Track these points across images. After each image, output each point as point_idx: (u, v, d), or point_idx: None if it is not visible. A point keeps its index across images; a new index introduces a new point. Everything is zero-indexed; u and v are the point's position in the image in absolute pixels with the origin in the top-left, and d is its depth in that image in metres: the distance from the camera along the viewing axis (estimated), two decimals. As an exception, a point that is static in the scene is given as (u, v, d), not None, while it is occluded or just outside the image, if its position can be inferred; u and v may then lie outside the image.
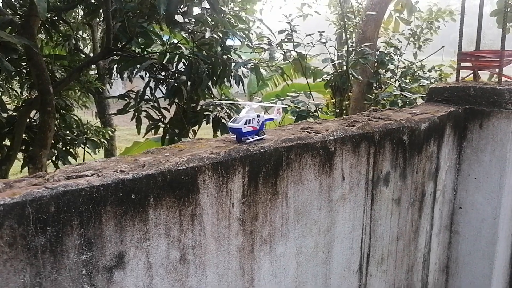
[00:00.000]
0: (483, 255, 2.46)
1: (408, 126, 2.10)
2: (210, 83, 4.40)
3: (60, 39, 5.89)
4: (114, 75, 5.48)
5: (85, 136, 4.81)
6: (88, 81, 5.91)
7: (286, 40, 4.17)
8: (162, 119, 4.77)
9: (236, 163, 1.47)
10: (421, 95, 4.11)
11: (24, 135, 4.79)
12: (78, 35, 6.59)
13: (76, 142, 4.36)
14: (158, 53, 4.64)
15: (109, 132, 6.00)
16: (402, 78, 4.37)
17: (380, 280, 2.15)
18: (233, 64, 4.18)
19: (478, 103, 2.39)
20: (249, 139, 1.57)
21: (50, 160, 4.48)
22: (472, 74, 2.51)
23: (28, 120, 4.75)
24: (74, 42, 5.89)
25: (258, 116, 1.60)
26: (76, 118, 5.18)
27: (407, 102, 4.09)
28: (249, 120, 1.56)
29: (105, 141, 6.11)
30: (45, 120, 3.96)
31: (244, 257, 1.56)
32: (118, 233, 1.24)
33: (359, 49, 4.14)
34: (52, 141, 4.47)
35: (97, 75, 6.48)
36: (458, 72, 2.52)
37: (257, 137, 1.60)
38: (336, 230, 1.88)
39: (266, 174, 1.57)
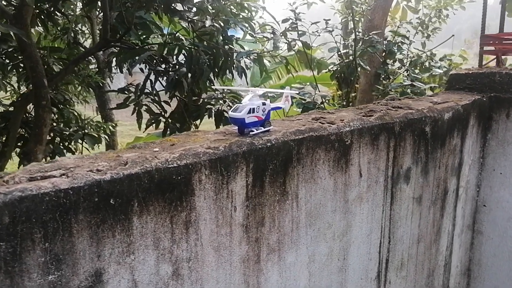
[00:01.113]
0: (509, 256, 2.20)
1: (431, 116, 1.84)
2: (211, 75, 4.14)
3: (59, 32, 5.64)
4: (114, 68, 5.24)
5: (84, 131, 4.55)
6: (88, 75, 5.66)
7: (290, 29, 3.90)
8: (163, 113, 4.52)
9: (238, 159, 1.22)
10: (432, 85, 3.84)
11: (22, 131, 4.56)
12: (77, 28, 6.34)
13: (73, 138, 4.11)
14: (157, 45, 4.38)
15: (110, 127, 5.75)
16: (412, 68, 4.10)
17: (400, 287, 1.89)
18: (235, 54, 3.91)
19: (505, 90, 2.12)
20: (253, 131, 1.31)
21: (48, 157, 4.24)
22: (495, 60, 2.23)
23: (25, 115, 4.51)
24: (73, 35, 5.64)
25: (264, 104, 1.34)
26: (75, 113, 4.93)
27: (418, 93, 3.82)
28: (253, 108, 1.30)
29: (106, 137, 5.86)
30: (40, 114, 3.71)
31: (248, 268, 1.31)
32: (94, 246, 0.99)
33: (367, 38, 3.87)
34: (50, 136, 4.23)
35: (97, 69, 6.23)
36: (481, 58, 2.25)
37: (263, 129, 1.34)
38: (353, 234, 1.62)
39: (273, 172, 1.31)
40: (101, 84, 6.16)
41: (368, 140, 1.59)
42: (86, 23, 6.78)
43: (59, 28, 5.50)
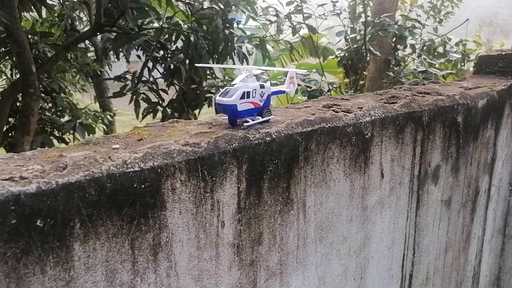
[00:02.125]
0: (545, 265, 1.87)
1: (464, 103, 1.50)
2: (210, 62, 3.80)
3: (56, 19, 5.30)
4: (112, 55, 4.91)
5: (78, 121, 4.23)
6: (86, 63, 5.33)
7: (295, 11, 3.54)
8: (160, 102, 4.20)
9: (227, 159, 0.89)
10: (448, 71, 3.49)
11: (12, 121, 4.26)
12: (75, 15, 6.01)
13: (64, 128, 3.80)
14: (154, 29, 4.03)
15: (108, 116, 5.44)
16: (426, 53, 3.73)
17: (424, 305, 1.57)
18: (236, 39, 3.57)
19: (546, 74, 1.77)
20: (247, 122, 0.98)
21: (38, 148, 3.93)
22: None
23: (18, 104, 4.21)
24: (70, 22, 5.30)
25: (262, 87, 1.01)
26: (70, 102, 4.61)
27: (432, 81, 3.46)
28: (248, 92, 0.97)
29: (105, 127, 5.55)
30: (27, 103, 3.39)
31: (241, 300, 0.98)
32: (14, 285, 0.66)
33: (378, 21, 3.51)
34: (40, 126, 3.92)
35: (95, 57, 5.90)
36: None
37: (260, 119, 1.01)
38: (372, 247, 1.29)
39: (274, 175, 0.98)
40: (99, 73, 5.84)
41: (392, 132, 1.26)
42: (84, 9, 6.44)
43: (56, 15, 5.17)
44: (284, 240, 1.04)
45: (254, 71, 1.01)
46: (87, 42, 5.47)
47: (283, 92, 1.11)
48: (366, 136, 1.18)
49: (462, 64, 3.62)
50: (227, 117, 1.00)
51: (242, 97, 0.96)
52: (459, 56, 3.55)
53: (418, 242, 1.47)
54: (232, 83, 0.96)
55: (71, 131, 3.93)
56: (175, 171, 0.82)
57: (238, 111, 0.96)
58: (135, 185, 0.77)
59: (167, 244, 0.83)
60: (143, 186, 0.78)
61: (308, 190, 1.07)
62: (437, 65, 3.82)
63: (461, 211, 1.64)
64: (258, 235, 0.98)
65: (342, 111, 1.17)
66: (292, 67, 1.12)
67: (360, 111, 1.19)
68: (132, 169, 0.76)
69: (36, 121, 3.47)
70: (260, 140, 0.94)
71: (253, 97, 0.98)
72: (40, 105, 4.19)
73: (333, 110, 1.16)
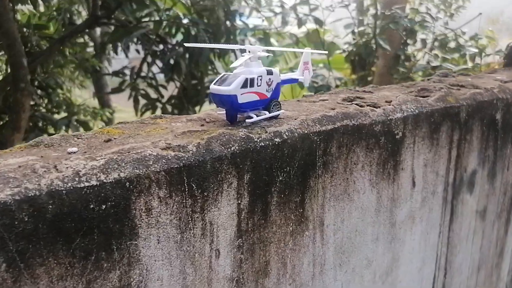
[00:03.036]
0: None
1: (503, 98, 1.26)
2: (212, 56, 3.57)
3: (54, 12, 5.06)
4: (110, 50, 4.68)
5: (74, 118, 4.01)
6: (85, 59, 5.10)
7: (300, 3, 3.30)
8: (159, 99, 3.97)
9: (223, 167, 0.65)
10: (463, 67, 3.23)
11: (6, 117, 4.03)
12: (74, 9, 5.78)
13: (57, 125, 3.56)
14: (153, 22, 3.79)
15: (107, 113, 5.21)
16: (439, 48, 3.48)
17: (453, 332, 1.33)
18: (238, 32, 3.33)
19: None
20: (251, 117, 0.75)
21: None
22: None
23: (11, 100, 3.98)
24: (68, 16, 5.07)
25: (270, 73, 0.77)
26: (66, 98, 4.38)
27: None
28: (251, 80, 0.73)
29: (104, 123, 5.33)
30: (18, 99, 3.16)
31: None
32: None
33: (389, 12, 3.26)
34: (33, 123, 3.69)
35: (94, 52, 5.66)
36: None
37: (267, 114, 0.77)
38: (400, 270, 1.06)
39: (285, 187, 0.75)
40: (98, 68, 5.61)
41: (426, 132, 1.02)
42: (83, 3, 6.20)
43: (54, 9, 4.95)
44: (297, 268, 0.81)
45: (260, 53, 0.77)
46: (86, 37, 5.25)
47: (296, 80, 0.87)
48: (397, 137, 0.94)
49: (479, 59, 3.37)
50: (225, 111, 0.76)
51: (244, 85, 0.72)
52: (477, 51, 3.30)
53: (450, 260, 1.23)
54: (232, 65, 0.72)
55: (65, 129, 3.70)
56: (150, 185, 0.58)
57: (238, 104, 0.72)
58: (92, 206, 0.53)
59: (140, 286, 0.59)
60: (103, 206, 0.54)
61: (327, 204, 0.83)
62: (454, 59, 3.58)
63: (496, 223, 1.40)
64: (264, 264, 0.75)
65: (367, 105, 0.93)
66: (308, 49, 0.88)
67: (389, 105, 0.95)
68: (87, 184, 0.53)
69: (28, 117, 3.24)
70: (267, 142, 0.70)
71: (258, 85, 0.75)
72: (35, 101, 3.96)
73: (356, 104, 0.92)
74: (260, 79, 0.75)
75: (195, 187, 0.63)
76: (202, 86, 3.84)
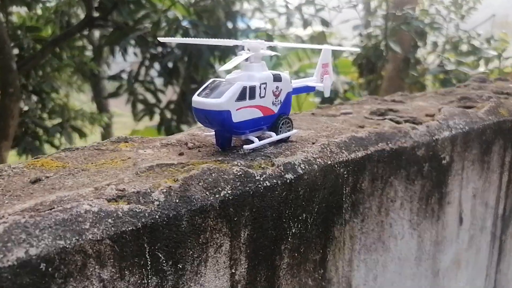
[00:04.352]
0: None
1: (558, 108, 1.02)
2: (212, 59, 3.34)
3: (52, 15, 4.86)
4: (107, 53, 4.48)
5: (69, 123, 3.79)
6: (83, 62, 4.88)
7: (306, 3, 3.07)
8: (157, 104, 3.75)
9: (207, 223, 0.42)
10: (481, 71, 3.00)
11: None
12: (72, 11, 5.57)
13: (49, 132, 3.34)
14: (151, 23, 3.57)
15: (105, 118, 4.99)
16: (453, 51, 3.24)
17: None
18: (239, 33, 3.10)
19: None
20: (251, 142, 0.51)
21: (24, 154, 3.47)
22: None
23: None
24: (67, 18, 4.87)
25: (277, 78, 0.54)
26: (61, 103, 4.16)
27: (461, 81, 2.98)
28: (251, 89, 0.50)
29: (102, 129, 5.11)
30: (6, 104, 2.93)
31: None
32: None
33: (400, 13, 3.02)
34: (23, 130, 3.47)
35: (93, 56, 5.45)
36: None
37: (275, 137, 0.54)
38: (442, 329, 0.82)
39: (300, 242, 0.51)
40: (96, 72, 5.40)
41: (477, 153, 0.78)
42: (82, 6, 6.00)
43: (52, 11, 4.74)
44: None
45: (263, 51, 0.54)
46: (85, 40, 5.05)
47: (313, 89, 0.63)
48: (443, 162, 0.70)
49: (496, 62, 3.13)
50: (213, 133, 0.53)
51: (241, 97, 0.49)
52: (495, 54, 3.06)
53: (496, 307, 0.99)
54: (221, 68, 0.49)
55: (58, 135, 3.47)
56: (86, 264, 0.35)
57: (232, 124, 0.49)
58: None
59: None
60: (-3, 309, 0.31)
61: (356, 259, 0.60)
62: (469, 63, 3.34)
63: (544, 256, 1.16)
64: None
65: (404, 120, 0.69)
66: (327, 46, 0.64)
67: (433, 120, 0.71)
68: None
69: (17, 124, 3.02)
70: (274, 181, 0.47)
71: (261, 96, 0.52)
72: (27, 107, 3.75)
73: (390, 120, 0.69)
74: (264, 88, 0.52)
75: (163, 258, 0.39)
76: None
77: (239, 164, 0.47)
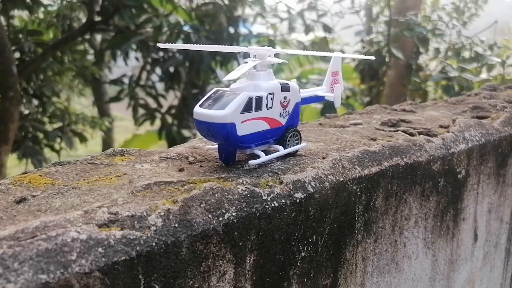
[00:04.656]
0: None
1: None
2: (214, 64, 3.31)
3: (54, 19, 4.83)
4: (109, 57, 4.45)
5: (69, 128, 3.75)
6: (84, 66, 4.85)
7: (308, 8, 3.04)
8: (159, 108, 3.72)
9: (210, 249, 0.37)
10: (484, 78, 2.96)
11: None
12: (74, 15, 5.55)
13: (48, 136, 3.30)
14: (153, 28, 3.54)
15: (107, 122, 4.95)
16: (455, 57, 3.20)
17: None
18: (241, 38, 3.07)
19: None
20: (257, 156, 0.47)
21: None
22: None
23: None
24: (69, 22, 4.84)
25: (285, 89, 0.50)
26: (62, 107, 4.12)
27: (465, 87, 2.94)
28: (258, 99, 0.46)
29: (104, 133, 5.07)
30: (6, 108, 2.90)
31: None
32: None
33: (403, 19, 2.99)
34: (23, 134, 3.42)
35: (94, 60, 5.42)
36: None
37: (282, 151, 0.50)
38: None
39: (309, 265, 0.47)
40: (98, 76, 5.36)
41: (492, 167, 0.74)
42: (85, 10, 5.98)
43: (54, 15, 4.72)
44: None
45: (269, 58, 0.50)
46: (87, 45, 5.03)
47: (322, 98, 0.59)
48: (459, 176, 0.66)
49: (499, 69, 3.09)
50: (217, 147, 0.49)
51: (247, 108, 0.45)
52: (499, 60, 3.02)
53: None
54: (226, 78, 0.45)
55: (58, 140, 3.43)
56: (71, 300, 0.30)
57: (237, 137, 0.45)
58: None
59: None
60: None
61: (369, 281, 0.55)
62: (472, 70, 3.31)
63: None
64: None
65: (418, 132, 0.65)
66: (338, 53, 0.60)
67: (448, 132, 0.67)
68: None
69: (16, 128, 2.98)
70: (283, 201, 0.43)
71: (268, 108, 0.47)
72: (29, 110, 3.72)
73: (404, 132, 0.65)
74: (271, 99, 0.48)
75: (159, 290, 0.35)
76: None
77: (244, 182, 0.43)
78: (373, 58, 0.62)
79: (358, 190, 0.51)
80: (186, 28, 3.39)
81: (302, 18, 3.01)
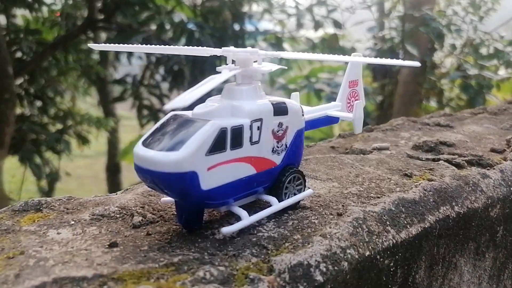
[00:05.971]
0: None
1: None
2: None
3: (58, 18, 4.71)
4: (113, 56, 4.31)
5: (71, 130, 3.61)
6: (89, 66, 4.72)
7: (317, 4, 2.85)
8: (162, 109, 3.56)
9: None
10: (507, 76, 2.75)
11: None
12: (78, 14, 5.42)
13: (48, 140, 3.15)
14: (156, 26, 3.38)
15: (112, 122, 4.81)
16: (473, 54, 2.99)
17: None
18: (247, 36, 2.89)
19: None
20: (235, 217, 0.29)
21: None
22: None
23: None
24: (73, 21, 4.71)
25: (281, 111, 0.31)
26: (65, 108, 3.99)
27: (484, 86, 2.73)
28: (235, 131, 0.28)
29: (109, 133, 4.95)
30: (1, 111, 2.76)
31: None
32: None
33: (418, 14, 2.78)
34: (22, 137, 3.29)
35: (99, 60, 5.29)
36: None
37: (277, 205, 0.32)
38: None
39: None
40: (102, 76, 5.23)
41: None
42: (87, 8, 5.85)
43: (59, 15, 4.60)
44: None
45: (257, 64, 0.32)
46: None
47: (336, 120, 0.41)
48: (522, 221, 0.48)
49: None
50: (174, 204, 0.31)
51: (216, 146, 0.27)
52: (522, 56, 2.80)
53: None
54: (170, 105, 0.27)
55: (57, 144, 3.29)
56: None
57: (201, 192, 0.27)
58: None
59: None
60: None
61: None
62: (491, 67, 3.10)
63: None
64: None
65: (467, 161, 0.47)
66: (357, 54, 0.42)
67: (505, 160, 0.48)
68: None
69: (12, 131, 2.84)
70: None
71: (252, 142, 0.30)
72: (30, 112, 3.58)
73: (447, 161, 0.46)
74: (258, 128, 0.30)
75: None
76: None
77: (208, 276, 0.25)
78: (418, 64, 0.44)
79: (392, 264, 0.33)
80: (190, 25, 3.23)
81: (311, 13, 2.81)
